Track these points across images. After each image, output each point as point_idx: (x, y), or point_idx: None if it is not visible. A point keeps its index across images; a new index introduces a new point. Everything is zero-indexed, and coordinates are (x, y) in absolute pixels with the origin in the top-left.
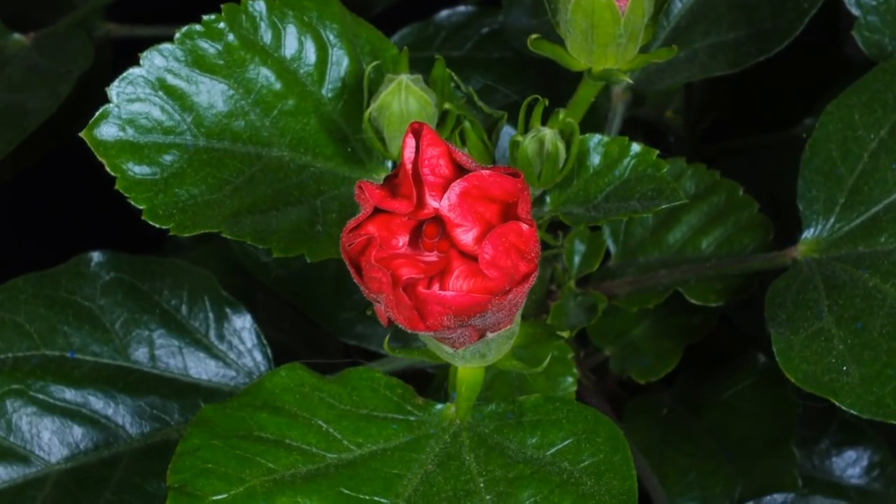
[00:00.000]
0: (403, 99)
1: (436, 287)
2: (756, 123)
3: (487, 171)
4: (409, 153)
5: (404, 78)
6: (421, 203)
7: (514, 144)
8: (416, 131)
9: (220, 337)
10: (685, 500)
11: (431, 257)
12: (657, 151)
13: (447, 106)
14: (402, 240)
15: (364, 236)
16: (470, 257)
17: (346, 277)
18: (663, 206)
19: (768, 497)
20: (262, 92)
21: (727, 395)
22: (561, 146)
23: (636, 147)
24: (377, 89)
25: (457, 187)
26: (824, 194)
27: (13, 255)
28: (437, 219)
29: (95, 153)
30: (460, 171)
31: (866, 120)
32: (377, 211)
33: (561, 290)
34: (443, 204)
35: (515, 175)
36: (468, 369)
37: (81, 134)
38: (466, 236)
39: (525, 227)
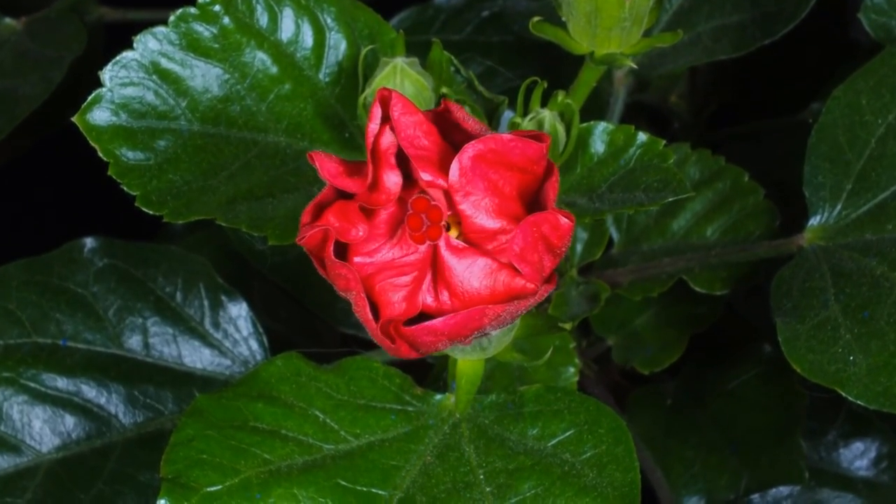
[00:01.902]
0: (399, 83)
1: (444, 294)
2: (762, 108)
3: (508, 135)
4: (373, 126)
5: (399, 61)
6: (376, 183)
7: (513, 126)
8: (384, 99)
9: (216, 325)
10: (689, 493)
11: (415, 256)
12: (664, 141)
13: (444, 90)
14: (363, 228)
15: (320, 228)
16: (471, 243)
17: None
18: (670, 199)
19: (774, 490)
20: (257, 76)
21: (732, 386)
22: (560, 128)
23: (642, 136)
24: (373, 73)
25: (470, 150)
26: (831, 180)
27: (5, 241)
28: (420, 201)
29: (88, 138)
30: (450, 140)
31: (874, 105)
32: (340, 195)
33: (563, 279)
34: (452, 169)
35: (539, 139)
36: (468, 361)
37: (74, 118)
38: (477, 211)
39: (564, 220)
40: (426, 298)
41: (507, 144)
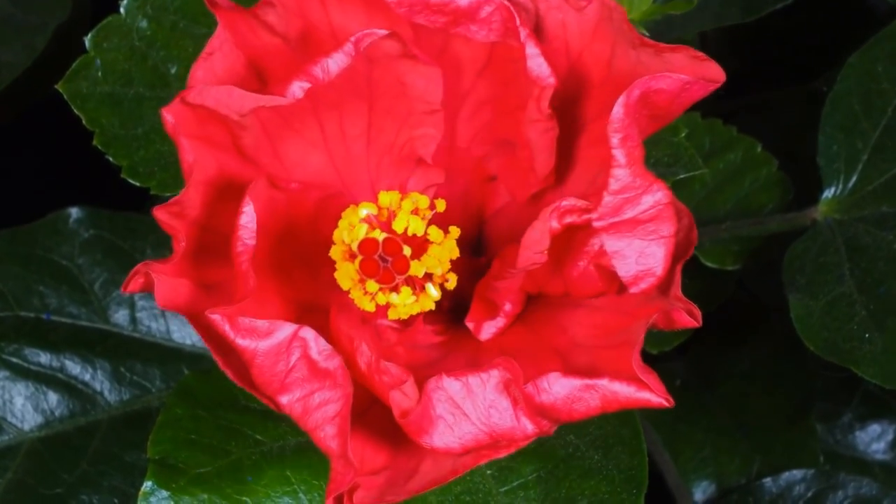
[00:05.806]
0: None
1: (545, 424)
2: (774, 77)
3: (685, 76)
4: None
5: None
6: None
7: None
8: None
9: None
10: (699, 477)
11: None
12: None
13: None
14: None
15: (140, 272)
16: (612, 207)
17: None
18: (681, 176)
19: (787, 473)
20: None
21: (743, 366)
22: None
23: None
24: None
25: (640, 88)
26: (846, 151)
27: None
28: (367, 243)
29: (72, 106)
30: None
31: (891, 72)
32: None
33: None
34: (616, 108)
35: (714, 79)
36: None
37: (58, 86)
38: (630, 161)
39: (688, 319)
40: (526, 427)
41: (684, 86)
